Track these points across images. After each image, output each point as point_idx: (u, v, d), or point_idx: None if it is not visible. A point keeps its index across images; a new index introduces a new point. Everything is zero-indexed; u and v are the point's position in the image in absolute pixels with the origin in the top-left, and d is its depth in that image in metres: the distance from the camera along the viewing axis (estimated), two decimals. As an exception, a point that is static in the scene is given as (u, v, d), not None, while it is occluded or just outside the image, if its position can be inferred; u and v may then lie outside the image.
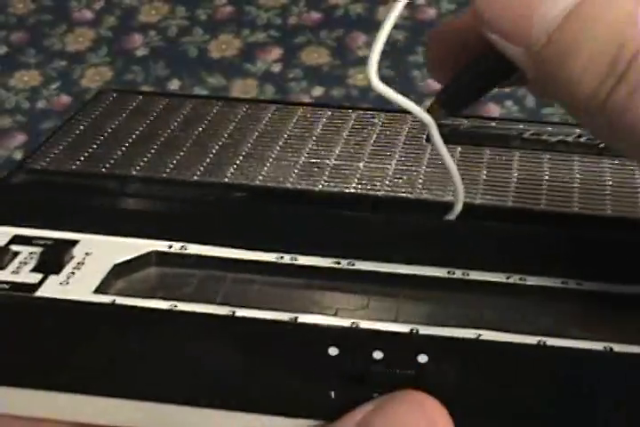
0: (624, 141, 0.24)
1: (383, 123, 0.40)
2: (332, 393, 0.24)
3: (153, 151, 0.37)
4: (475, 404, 0.24)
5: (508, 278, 0.28)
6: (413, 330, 0.26)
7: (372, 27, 1.25)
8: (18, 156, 1.14)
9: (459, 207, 0.31)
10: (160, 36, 1.29)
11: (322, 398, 0.24)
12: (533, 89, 0.27)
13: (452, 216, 0.31)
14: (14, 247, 0.29)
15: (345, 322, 0.26)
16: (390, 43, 1.23)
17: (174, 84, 1.23)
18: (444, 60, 0.28)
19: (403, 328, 0.26)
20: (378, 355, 0.25)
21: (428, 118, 0.28)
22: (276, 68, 1.24)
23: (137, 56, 1.27)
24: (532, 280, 0.28)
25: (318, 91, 1.21)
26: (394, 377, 0.24)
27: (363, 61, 1.25)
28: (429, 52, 0.28)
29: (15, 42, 1.29)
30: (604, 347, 0.25)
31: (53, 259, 0.29)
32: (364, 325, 0.26)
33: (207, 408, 0.24)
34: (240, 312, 0.27)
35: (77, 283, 0.28)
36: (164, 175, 0.36)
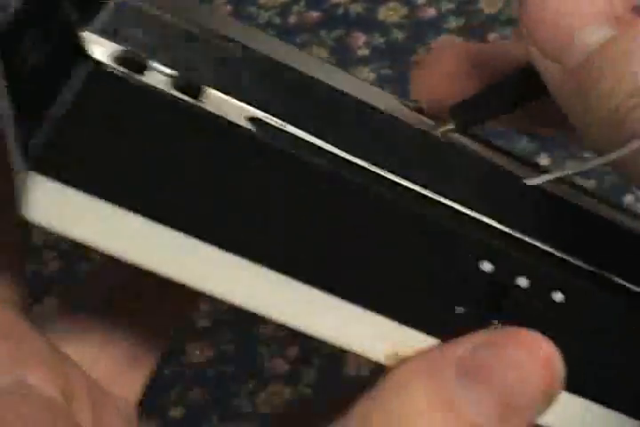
0: None
1: None
2: (461, 309, 0.23)
3: None
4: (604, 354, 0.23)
5: None
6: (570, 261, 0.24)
7: (373, 27, 1.25)
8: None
9: (547, 177, 0.29)
10: (159, 35, 1.29)
11: (446, 312, 0.22)
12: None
13: (533, 182, 0.29)
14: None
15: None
16: (390, 42, 1.23)
17: (173, 84, 1.23)
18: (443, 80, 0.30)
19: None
20: (522, 282, 0.23)
21: None
22: (276, 68, 1.24)
23: (136, 55, 1.27)
24: None
25: (318, 90, 1.20)
26: (530, 309, 0.23)
27: (362, 61, 1.25)
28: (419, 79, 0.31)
29: (14, 41, 1.29)
30: None
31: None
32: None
33: (321, 290, 0.22)
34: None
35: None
36: None
